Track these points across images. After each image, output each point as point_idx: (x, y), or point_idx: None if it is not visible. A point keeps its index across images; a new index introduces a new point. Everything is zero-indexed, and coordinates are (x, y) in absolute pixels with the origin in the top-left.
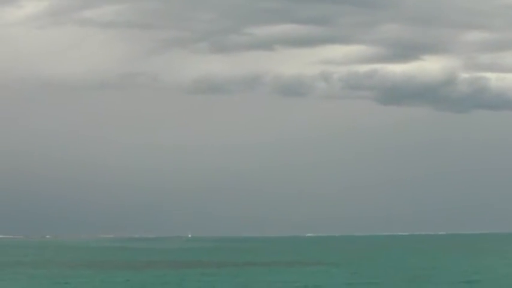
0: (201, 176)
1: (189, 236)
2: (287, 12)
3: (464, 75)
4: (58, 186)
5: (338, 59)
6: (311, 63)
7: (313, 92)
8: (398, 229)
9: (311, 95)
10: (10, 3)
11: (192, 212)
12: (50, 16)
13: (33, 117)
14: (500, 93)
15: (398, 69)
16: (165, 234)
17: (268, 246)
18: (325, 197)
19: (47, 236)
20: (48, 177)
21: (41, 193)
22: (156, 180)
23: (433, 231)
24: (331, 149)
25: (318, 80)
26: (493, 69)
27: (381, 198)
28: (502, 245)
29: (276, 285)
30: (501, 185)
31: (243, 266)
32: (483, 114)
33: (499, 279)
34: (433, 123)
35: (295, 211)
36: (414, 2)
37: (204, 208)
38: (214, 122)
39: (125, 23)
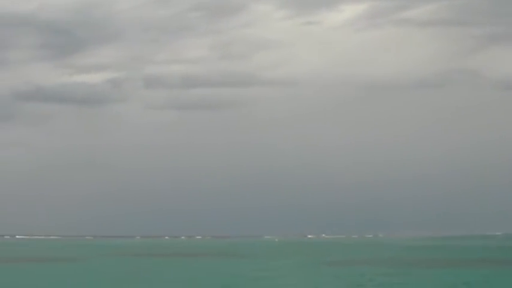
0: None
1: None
2: None
3: None
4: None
5: None
6: None
7: None
8: None
9: None
10: (332, 9)
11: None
12: (368, 19)
13: (353, 117)
14: None
15: None
16: (473, 232)
17: None
18: None
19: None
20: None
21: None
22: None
23: None
24: None
25: None
26: None
27: None
28: None
29: None
30: None
31: None
32: None
33: None
34: None
35: None
36: None
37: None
38: None
39: (442, 21)
